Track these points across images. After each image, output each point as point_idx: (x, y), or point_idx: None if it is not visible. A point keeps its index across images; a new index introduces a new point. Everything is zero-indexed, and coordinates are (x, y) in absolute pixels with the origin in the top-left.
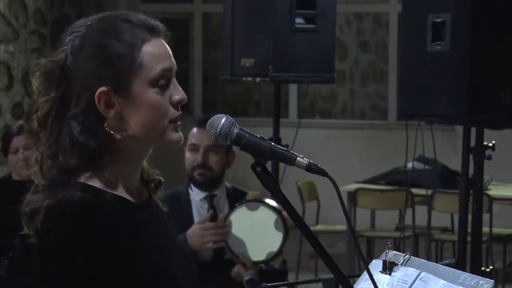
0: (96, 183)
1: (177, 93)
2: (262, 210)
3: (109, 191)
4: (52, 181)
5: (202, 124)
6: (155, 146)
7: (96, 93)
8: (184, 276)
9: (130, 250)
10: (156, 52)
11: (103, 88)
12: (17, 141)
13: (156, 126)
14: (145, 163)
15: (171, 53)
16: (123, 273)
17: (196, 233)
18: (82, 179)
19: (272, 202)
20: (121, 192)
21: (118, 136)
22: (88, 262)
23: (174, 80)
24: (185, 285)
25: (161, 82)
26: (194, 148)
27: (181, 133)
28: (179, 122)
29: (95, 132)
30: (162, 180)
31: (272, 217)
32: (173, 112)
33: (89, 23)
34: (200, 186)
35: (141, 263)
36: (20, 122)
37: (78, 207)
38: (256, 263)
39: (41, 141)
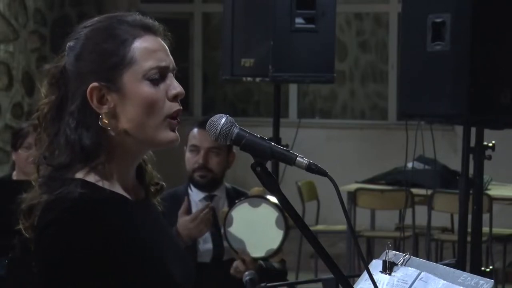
0: (93, 180)
1: (174, 87)
2: (264, 207)
3: (107, 187)
4: (48, 178)
5: (203, 125)
6: (151, 148)
7: (88, 89)
8: (182, 274)
9: (129, 246)
10: (148, 47)
11: (94, 84)
12: (33, 138)
13: (149, 121)
14: (149, 165)
15: (168, 51)
16: (122, 267)
17: (188, 225)
18: (80, 175)
19: (275, 199)
20: (117, 189)
21: (111, 133)
22: (87, 255)
23: (171, 75)
24: (183, 282)
25: (154, 76)
26: (195, 149)
27: (177, 133)
28: (177, 121)
29: (89, 129)
30: (164, 185)
31: (274, 214)
32: (170, 107)
33: (86, 25)
34: (200, 187)
35: (140, 259)
36: None
37: (78, 202)
38: (255, 259)
39: (41, 143)
